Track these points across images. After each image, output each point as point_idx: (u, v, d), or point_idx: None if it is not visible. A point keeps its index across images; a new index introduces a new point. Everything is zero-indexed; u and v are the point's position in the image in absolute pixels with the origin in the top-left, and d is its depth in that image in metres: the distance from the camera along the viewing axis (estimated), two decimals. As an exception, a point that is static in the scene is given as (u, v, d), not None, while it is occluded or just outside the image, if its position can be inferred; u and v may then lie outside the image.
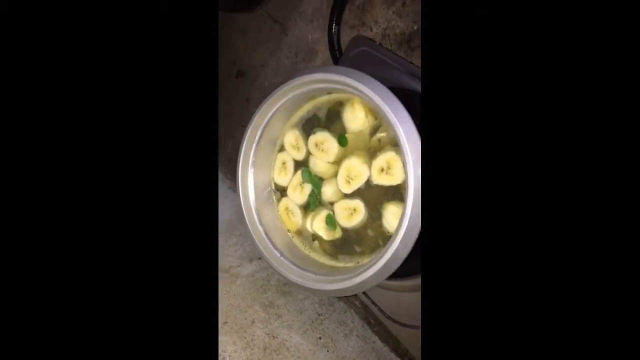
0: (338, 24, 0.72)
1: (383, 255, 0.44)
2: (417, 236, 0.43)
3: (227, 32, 0.96)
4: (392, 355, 0.72)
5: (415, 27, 0.67)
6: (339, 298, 0.77)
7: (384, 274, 0.44)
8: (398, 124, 0.44)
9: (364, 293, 0.67)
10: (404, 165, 0.49)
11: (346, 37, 0.73)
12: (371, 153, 0.53)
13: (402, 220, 0.43)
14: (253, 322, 0.65)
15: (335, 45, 0.71)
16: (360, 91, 0.46)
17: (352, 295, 0.77)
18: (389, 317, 0.63)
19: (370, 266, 0.45)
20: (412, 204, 0.43)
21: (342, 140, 0.55)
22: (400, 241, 0.43)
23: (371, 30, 0.73)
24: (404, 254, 0.43)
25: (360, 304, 0.76)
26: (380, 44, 0.66)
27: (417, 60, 0.64)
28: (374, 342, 0.72)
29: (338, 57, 0.71)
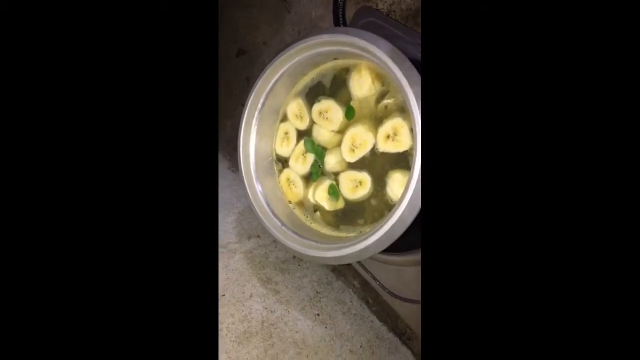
0: (344, -3, 0.70)
1: (389, 218, 0.43)
2: (423, 201, 0.42)
3: (228, 9, 0.95)
4: (390, 334, 0.71)
5: (422, 3, 0.66)
6: (337, 277, 0.76)
7: (390, 238, 0.43)
8: (408, 85, 0.43)
9: (364, 268, 0.66)
10: (411, 130, 0.48)
11: (351, 14, 0.72)
12: (377, 120, 0.52)
13: (409, 183, 0.42)
14: (251, 296, 0.64)
15: (341, 18, 0.69)
16: (369, 52, 0.45)
17: (351, 274, 0.76)
18: (389, 292, 0.62)
19: (375, 231, 0.44)
20: (421, 167, 0.42)
21: (349, 112, 0.54)
22: (407, 204, 0.42)
23: (377, 6, 0.71)
24: (410, 218, 0.42)
25: (359, 284, 0.75)
26: (387, 15, 0.65)
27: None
28: (372, 321, 0.71)
29: (343, 31, 0.70)
